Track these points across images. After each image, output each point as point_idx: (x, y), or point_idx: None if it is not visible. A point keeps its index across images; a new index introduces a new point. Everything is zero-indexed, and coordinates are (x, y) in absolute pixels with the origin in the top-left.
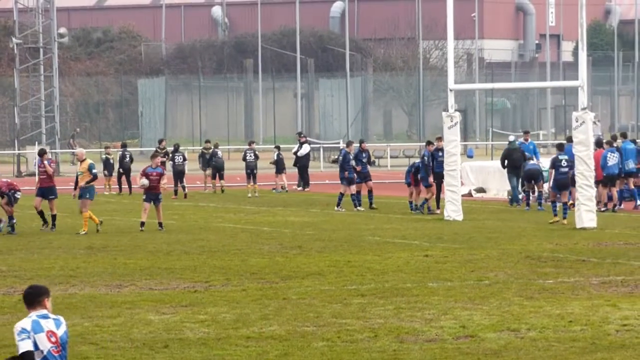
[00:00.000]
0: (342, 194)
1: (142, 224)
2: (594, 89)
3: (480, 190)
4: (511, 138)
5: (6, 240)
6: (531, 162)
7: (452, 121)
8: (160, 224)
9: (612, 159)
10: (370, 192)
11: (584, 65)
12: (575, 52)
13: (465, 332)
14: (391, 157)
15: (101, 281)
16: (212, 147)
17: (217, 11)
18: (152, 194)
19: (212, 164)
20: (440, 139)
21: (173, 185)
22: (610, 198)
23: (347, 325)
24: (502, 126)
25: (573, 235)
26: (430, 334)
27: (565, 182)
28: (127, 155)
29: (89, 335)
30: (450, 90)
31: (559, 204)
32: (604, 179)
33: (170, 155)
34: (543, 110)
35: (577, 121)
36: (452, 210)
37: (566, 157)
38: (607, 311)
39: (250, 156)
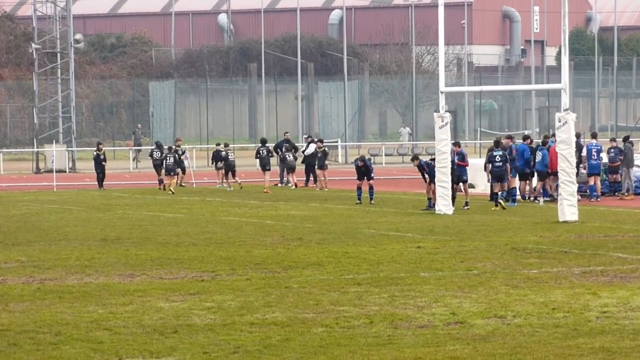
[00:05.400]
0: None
1: None
2: (576, 91)
3: (470, 186)
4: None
5: (25, 233)
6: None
7: (443, 121)
8: None
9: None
10: (371, 188)
11: (566, 69)
12: (558, 57)
13: (455, 319)
14: (386, 155)
15: (114, 271)
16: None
17: (223, 18)
18: None
19: (227, 163)
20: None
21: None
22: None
23: (344, 312)
24: (489, 126)
25: (556, 228)
26: (423, 320)
27: (500, 174)
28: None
29: (103, 321)
30: (441, 93)
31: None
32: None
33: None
34: (528, 111)
35: (559, 121)
36: (443, 204)
37: (500, 152)
38: (588, 299)
39: (263, 152)
